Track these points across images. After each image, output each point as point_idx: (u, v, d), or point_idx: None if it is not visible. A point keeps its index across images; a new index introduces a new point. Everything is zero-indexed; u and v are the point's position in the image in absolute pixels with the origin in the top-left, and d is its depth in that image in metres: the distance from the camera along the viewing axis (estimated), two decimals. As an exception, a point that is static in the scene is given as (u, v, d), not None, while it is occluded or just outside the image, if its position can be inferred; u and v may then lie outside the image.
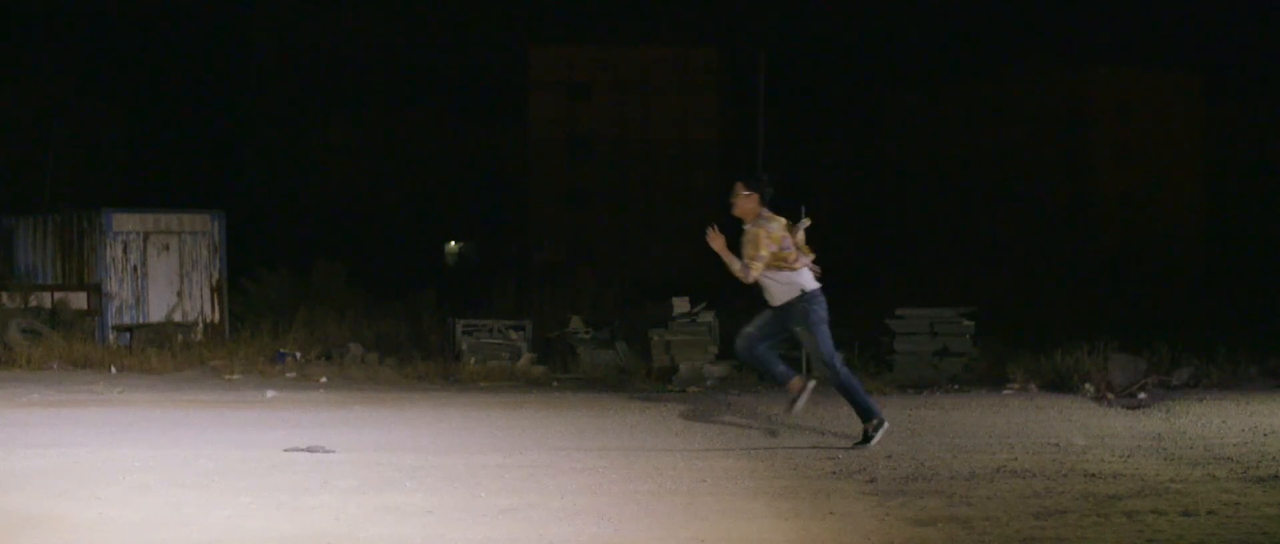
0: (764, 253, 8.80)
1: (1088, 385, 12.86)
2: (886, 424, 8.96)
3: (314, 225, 50.14)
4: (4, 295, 19.22)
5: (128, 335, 18.99)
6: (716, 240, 8.73)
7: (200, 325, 19.86)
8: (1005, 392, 13.13)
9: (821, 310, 8.93)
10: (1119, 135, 52.51)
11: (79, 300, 19.36)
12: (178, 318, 19.69)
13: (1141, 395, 12.49)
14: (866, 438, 8.94)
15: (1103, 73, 52.58)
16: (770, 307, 9.09)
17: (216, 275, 20.28)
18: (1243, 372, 14.04)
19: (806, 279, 8.99)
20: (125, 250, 19.56)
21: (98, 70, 48.94)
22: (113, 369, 15.97)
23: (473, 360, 16.03)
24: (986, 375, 14.36)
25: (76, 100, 46.26)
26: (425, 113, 56.96)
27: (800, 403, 9.08)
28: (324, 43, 56.53)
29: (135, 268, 19.60)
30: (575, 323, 17.02)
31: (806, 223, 9.00)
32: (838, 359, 8.95)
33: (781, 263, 8.89)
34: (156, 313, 19.63)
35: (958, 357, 14.90)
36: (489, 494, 7.33)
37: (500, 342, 16.47)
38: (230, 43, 55.83)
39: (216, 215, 20.63)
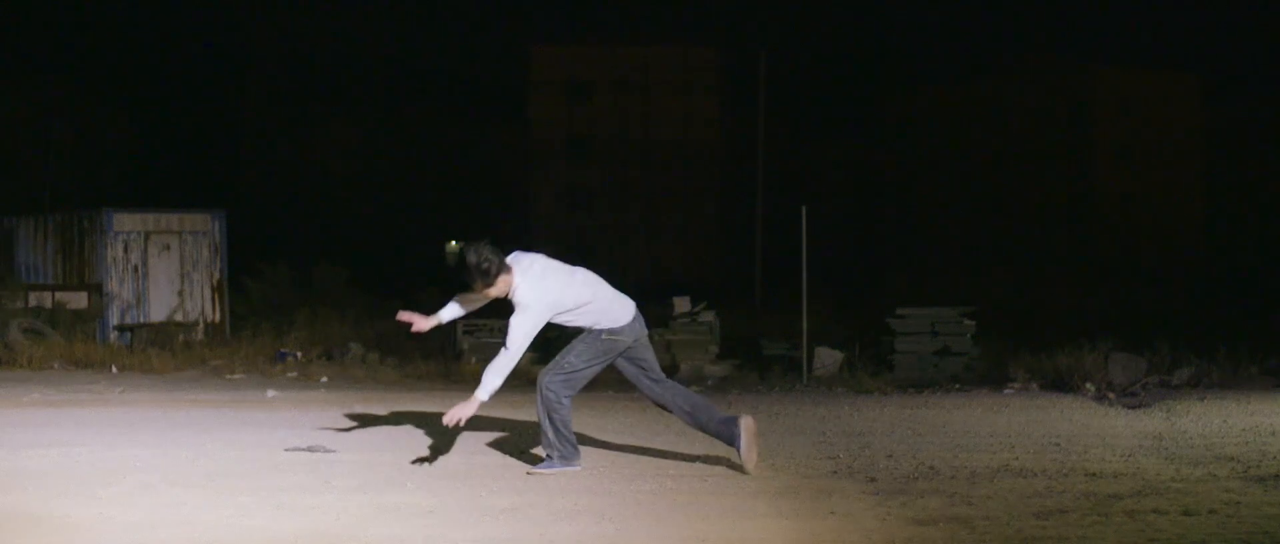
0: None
1: (1089, 385, 12.87)
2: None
3: (314, 225, 50.13)
4: (5, 295, 19.23)
5: (128, 335, 18.99)
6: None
7: (201, 325, 19.86)
8: (1006, 391, 13.13)
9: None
10: (1119, 135, 52.50)
11: (80, 300, 19.36)
12: (179, 318, 19.69)
13: (1142, 394, 12.50)
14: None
15: (1103, 73, 52.57)
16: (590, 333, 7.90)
17: (217, 275, 20.28)
18: (1243, 371, 14.06)
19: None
20: (126, 250, 19.56)
21: (98, 70, 48.94)
22: (114, 369, 15.98)
23: (474, 360, 16.03)
24: (987, 375, 14.36)
25: (76, 100, 46.24)
26: (425, 113, 56.96)
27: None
28: (324, 43, 56.52)
29: (136, 268, 19.60)
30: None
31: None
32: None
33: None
34: (157, 313, 19.63)
35: (959, 356, 14.91)
36: (490, 494, 7.33)
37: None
38: (230, 43, 55.81)
39: (217, 215, 20.63)
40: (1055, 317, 21.48)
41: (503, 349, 7.61)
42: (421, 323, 7.83)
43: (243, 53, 56.01)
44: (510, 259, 7.64)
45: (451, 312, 7.92)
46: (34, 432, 9.95)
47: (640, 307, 8.27)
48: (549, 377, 7.82)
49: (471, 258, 7.44)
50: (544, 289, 7.60)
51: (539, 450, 8.16)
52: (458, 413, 7.55)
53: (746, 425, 7.80)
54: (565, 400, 7.83)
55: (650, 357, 8.07)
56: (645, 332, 8.03)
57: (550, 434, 7.88)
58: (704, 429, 7.93)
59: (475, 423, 10.39)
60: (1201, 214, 53.51)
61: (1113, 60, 54.50)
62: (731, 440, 7.77)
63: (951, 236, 52.99)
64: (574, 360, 7.83)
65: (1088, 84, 52.23)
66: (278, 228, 45.26)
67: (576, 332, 7.91)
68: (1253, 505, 6.88)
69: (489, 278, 7.46)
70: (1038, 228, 51.41)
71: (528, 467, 8.09)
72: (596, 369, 7.89)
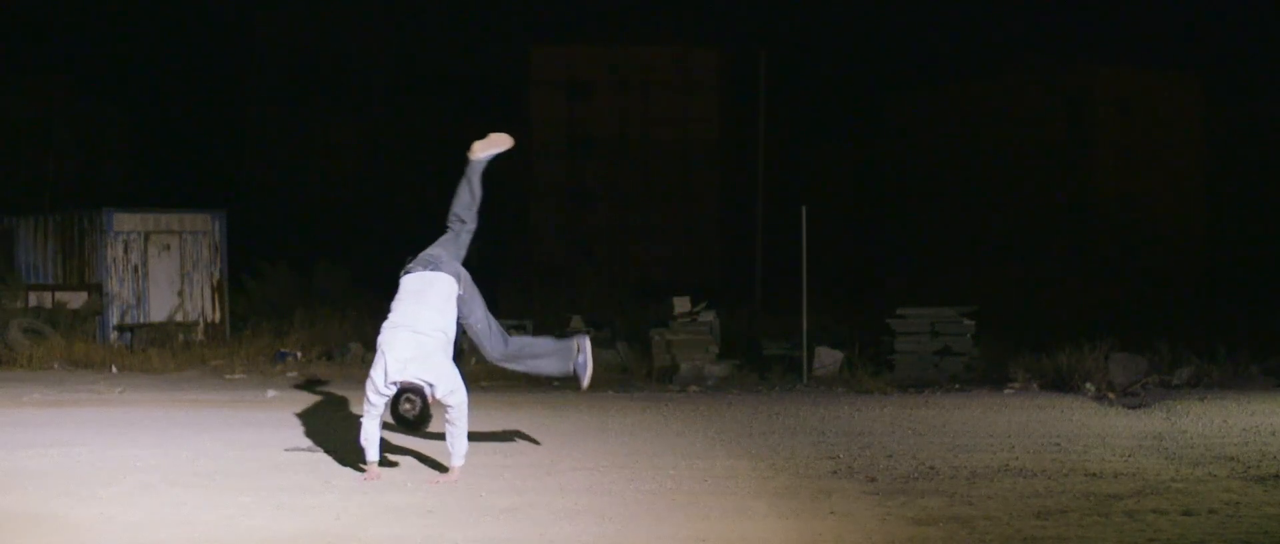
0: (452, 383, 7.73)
1: (1089, 385, 12.87)
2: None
3: (314, 225, 50.12)
4: (5, 295, 19.23)
5: (129, 335, 18.98)
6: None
7: (201, 325, 19.85)
8: (1006, 391, 13.13)
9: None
10: (1119, 135, 52.47)
11: (80, 300, 19.36)
12: (179, 318, 19.68)
13: (1142, 394, 12.50)
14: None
15: (1103, 73, 52.52)
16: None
17: (217, 275, 20.28)
18: (1243, 371, 14.07)
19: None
20: (126, 250, 19.56)
21: (98, 70, 48.92)
22: (114, 369, 15.97)
23: (473, 360, 16.02)
24: (987, 375, 14.36)
25: (76, 100, 46.24)
26: (425, 113, 56.94)
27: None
28: (324, 43, 56.50)
29: (136, 268, 19.59)
30: (576, 322, 17.03)
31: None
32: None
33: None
34: (157, 313, 19.63)
35: (959, 356, 14.91)
36: (490, 494, 7.33)
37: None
38: (231, 43, 55.81)
39: (217, 215, 20.63)
40: (1055, 317, 21.47)
41: (455, 416, 7.67)
42: (374, 472, 7.82)
43: (244, 52, 56.00)
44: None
45: (378, 428, 7.83)
46: (34, 432, 9.95)
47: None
48: (490, 348, 8.02)
49: (418, 416, 7.51)
50: (451, 367, 7.71)
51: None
52: (448, 482, 7.73)
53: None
54: (515, 344, 8.04)
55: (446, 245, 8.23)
56: (423, 260, 8.10)
57: (549, 362, 8.07)
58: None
59: (474, 423, 10.39)
60: (1202, 214, 53.47)
61: (1113, 60, 54.45)
62: None
63: (951, 237, 52.97)
64: (477, 317, 7.97)
65: (1088, 84, 52.17)
66: (278, 228, 45.22)
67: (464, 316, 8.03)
68: (1253, 505, 6.88)
69: (428, 414, 7.59)
70: (1038, 228, 51.37)
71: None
72: (483, 302, 8.09)
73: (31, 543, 6.18)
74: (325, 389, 13.88)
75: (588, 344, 8.15)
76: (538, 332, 17.06)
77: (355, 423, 10.38)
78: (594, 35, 56.35)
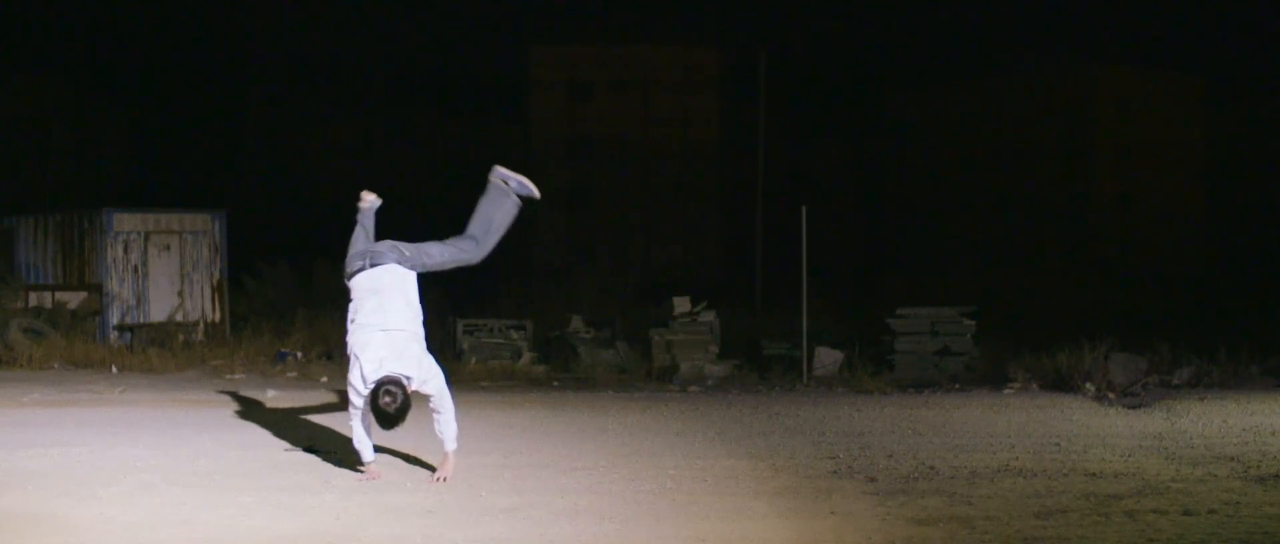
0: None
1: (1089, 385, 12.87)
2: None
3: (314, 225, 50.10)
4: (5, 295, 19.22)
5: (129, 335, 18.98)
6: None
7: (201, 325, 19.84)
8: (1006, 391, 13.13)
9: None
10: (1119, 135, 52.49)
11: (79, 300, 19.35)
12: (179, 318, 19.67)
13: (1142, 394, 12.50)
14: None
15: (1103, 73, 52.54)
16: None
17: (217, 275, 20.27)
18: (1243, 371, 14.07)
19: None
20: (126, 250, 19.55)
21: (98, 70, 48.89)
22: (114, 369, 15.97)
23: (474, 360, 16.03)
24: (987, 375, 14.37)
25: (76, 100, 46.23)
26: (425, 113, 56.95)
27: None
28: (324, 43, 56.50)
29: (136, 268, 19.58)
30: (576, 323, 17.03)
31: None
32: None
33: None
34: (157, 313, 19.62)
35: (959, 356, 14.91)
36: (490, 494, 7.33)
37: (501, 341, 16.48)
38: (230, 43, 55.79)
39: (217, 215, 20.62)
40: (1055, 317, 21.47)
41: (439, 403, 7.76)
42: (373, 471, 7.88)
43: (243, 53, 55.98)
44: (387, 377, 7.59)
45: (366, 429, 7.91)
46: (34, 432, 9.95)
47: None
48: (468, 257, 8.11)
49: (399, 408, 7.48)
50: (427, 356, 7.80)
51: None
52: (446, 472, 7.76)
53: None
54: (475, 232, 8.16)
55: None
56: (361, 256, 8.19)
57: (504, 211, 8.24)
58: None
59: (474, 423, 10.41)
60: (1202, 214, 53.50)
61: (1113, 60, 54.46)
62: None
63: (951, 236, 52.98)
64: (437, 256, 8.06)
65: (1088, 84, 52.21)
66: (278, 228, 45.21)
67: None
68: (1253, 505, 6.89)
69: (407, 405, 7.57)
70: (1038, 228, 51.40)
71: None
72: (432, 242, 8.23)
73: (31, 543, 6.19)
74: (326, 389, 13.88)
75: (502, 169, 8.35)
76: (537, 332, 17.06)
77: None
78: (594, 35, 56.32)
